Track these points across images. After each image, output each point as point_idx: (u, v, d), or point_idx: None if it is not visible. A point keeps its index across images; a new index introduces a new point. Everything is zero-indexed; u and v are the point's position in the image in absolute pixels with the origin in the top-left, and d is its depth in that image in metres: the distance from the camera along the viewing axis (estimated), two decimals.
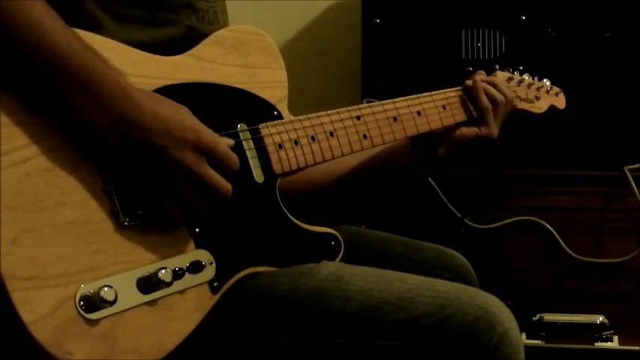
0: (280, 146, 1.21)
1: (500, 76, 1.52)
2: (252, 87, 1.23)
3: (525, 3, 2.01)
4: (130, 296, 1.00)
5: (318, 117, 1.26)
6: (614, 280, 1.97)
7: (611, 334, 1.96)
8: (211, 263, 1.09)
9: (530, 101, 1.58)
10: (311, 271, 1.15)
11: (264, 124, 1.20)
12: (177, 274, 1.05)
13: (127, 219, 1.03)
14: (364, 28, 2.10)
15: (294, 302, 1.12)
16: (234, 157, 1.09)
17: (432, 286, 1.14)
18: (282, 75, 1.29)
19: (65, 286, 0.95)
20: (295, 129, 1.23)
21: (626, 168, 1.95)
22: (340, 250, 1.24)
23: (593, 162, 1.98)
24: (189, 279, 1.06)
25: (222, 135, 1.11)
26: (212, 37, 1.23)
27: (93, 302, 0.97)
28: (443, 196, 2.01)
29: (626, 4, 1.96)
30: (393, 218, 1.96)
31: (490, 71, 1.52)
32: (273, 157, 1.20)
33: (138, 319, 1.01)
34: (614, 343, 1.96)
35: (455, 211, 2.01)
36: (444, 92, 1.42)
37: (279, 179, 1.21)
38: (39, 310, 0.92)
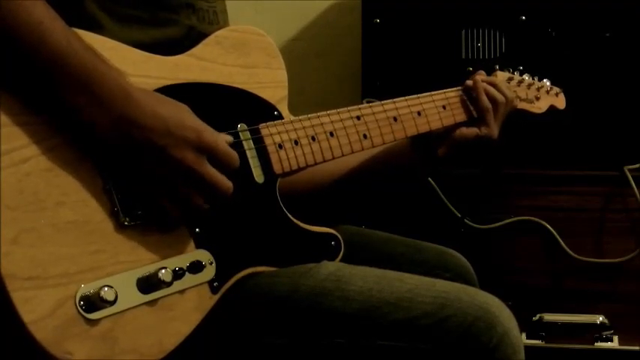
0: (280, 146, 1.21)
1: (501, 76, 1.52)
2: (253, 87, 1.23)
3: (525, 3, 2.01)
4: (130, 296, 1.00)
5: (318, 117, 1.26)
6: (614, 280, 1.98)
7: (611, 334, 1.96)
8: (211, 263, 1.09)
9: (530, 101, 1.58)
10: (311, 271, 1.15)
11: (264, 124, 1.20)
12: (178, 274, 1.05)
13: (127, 219, 1.03)
14: (364, 28, 2.10)
15: (294, 302, 1.12)
16: (234, 154, 1.09)
17: (432, 286, 1.14)
18: (282, 75, 1.29)
19: (65, 286, 0.95)
20: (295, 129, 1.23)
21: (626, 168, 1.95)
22: (340, 250, 1.24)
23: (593, 162, 1.99)
24: (189, 279, 1.06)
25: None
26: (212, 37, 1.23)
27: (93, 302, 0.97)
28: (443, 196, 2.01)
29: (626, 4, 1.96)
30: (393, 218, 1.96)
31: (490, 71, 1.52)
32: (274, 157, 1.20)
33: (138, 319, 1.01)
34: (614, 343, 1.96)
35: (455, 211, 2.01)
36: (444, 92, 1.42)
37: (279, 179, 1.21)
38: (39, 310, 0.92)
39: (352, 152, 1.29)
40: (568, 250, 1.98)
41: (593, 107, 1.98)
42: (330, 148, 1.26)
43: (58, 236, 0.96)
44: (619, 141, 1.98)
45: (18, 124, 0.96)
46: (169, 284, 1.03)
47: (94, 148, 1.01)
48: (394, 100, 1.35)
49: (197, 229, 1.09)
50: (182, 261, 1.06)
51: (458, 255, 1.47)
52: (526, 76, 1.58)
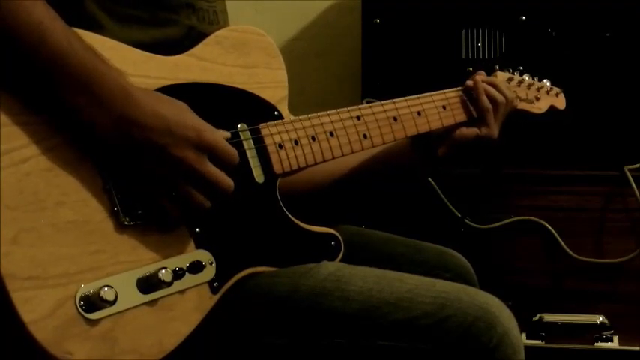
0: (280, 146, 1.21)
1: (501, 76, 1.52)
2: (253, 87, 1.23)
3: (525, 3, 2.01)
4: (130, 296, 1.00)
5: (318, 117, 1.26)
6: (614, 280, 1.98)
7: (611, 334, 1.96)
8: (211, 263, 1.09)
9: (531, 101, 1.58)
10: (311, 271, 1.15)
11: (264, 124, 1.20)
12: (178, 274, 1.05)
13: (127, 219, 1.03)
14: (364, 28, 2.10)
15: (294, 302, 1.12)
16: (233, 151, 1.09)
17: (432, 286, 1.14)
18: (282, 75, 1.29)
19: (65, 286, 0.95)
20: (295, 129, 1.23)
21: (626, 168, 1.95)
22: (340, 250, 1.24)
23: (593, 162, 1.99)
24: (189, 279, 1.06)
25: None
26: (212, 37, 1.23)
27: (93, 302, 0.97)
28: (443, 196, 2.01)
29: (626, 4, 1.96)
30: (393, 218, 1.96)
31: (490, 71, 1.52)
32: (274, 157, 1.20)
33: (138, 319, 1.01)
34: (614, 343, 1.96)
35: (455, 211, 2.01)
36: (444, 92, 1.42)
37: (279, 179, 1.21)
38: (39, 310, 0.92)
39: (352, 152, 1.29)
40: (568, 250, 1.98)
41: (593, 107, 1.98)
42: (330, 148, 1.26)
43: (58, 236, 0.96)
44: (619, 141, 1.98)
45: (18, 124, 0.96)
46: (169, 284, 1.03)
47: (94, 148, 1.01)
48: (394, 100, 1.35)
49: (197, 229, 1.09)
50: (182, 261, 1.06)
51: (458, 255, 1.47)
52: (526, 77, 1.58)
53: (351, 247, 1.27)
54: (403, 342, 1.10)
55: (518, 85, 1.56)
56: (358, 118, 1.30)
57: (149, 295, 1.02)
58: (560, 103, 1.66)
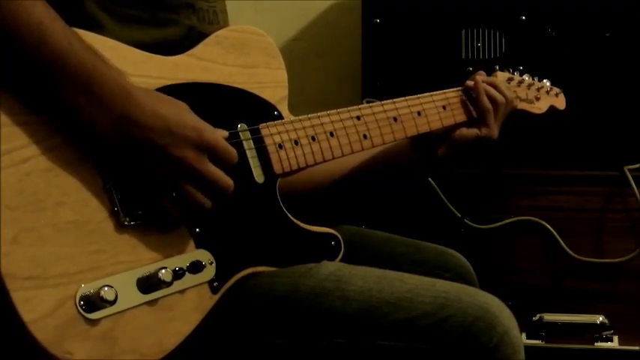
0: (280, 146, 1.21)
1: (501, 76, 1.52)
2: (253, 87, 1.23)
3: (525, 3, 2.01)
4: (130, 296, 1.00)
5: (318, 117, 1.26)
6: (614, 280, 1.98)
7: (611, 334, 1.96)
8: (211, 263, 1.09)
9: (531, 102, 1.58)
10: (311, 271, 1.15)
11: (264, 124, 1.20)
12: (178, 274, 1.05)
13: (128, 218, 1.03)
14: (364, 28, 2.10)
15: (294, 302, 1.12)
16: (233, 150, 1.10)
17: (432, 286, 1.14)
18: (282, 75, 1.29)
19: (65, 286, 0.95)
20: (295, 129, 1.23)
21: (626, 168, 1.95)
22: (340, 250, 1.24)
23: (593, 162, 1.99)
24: (189, 279, 1.06)
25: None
26: (212, 37, 1.23)
27: (93, 302, 0.97)
28: (443, 196, 2.01)
29: (626, 4, 1.96)
30: (393, 218, 1.96)
31: (490, 71, 1.52)
32: (274, 157, 1.20)
33: (138, 318, 1.01)
34: (614, 343, 1.96)
35: (455, 211, 2.01)
36: (444, 92, 1.42)
37: (279, 179, 1.21)
38: (39, 310, 0.92)
39: (352, 152, 1.29)
40: (568, 250, 1.98)
41: (593, 107, 1.98)
42: (330, 148, 1.26)
43: (58, 236, 0.96)
44: (619, 141, 1.98)
45: (18, 124, 0.96)
46: (169, 284, 1.03)
47: (94, 147, 1.01)
48: (394, 100, 1.35)
49: (197, 229, 1.09)
50: (182, 261, 1.06)
51: (458, 255, 1.47)
52: (526, 77, 1.58)
53: (351, 247, 1.27)
54: (403, 342, 1.10)
55: (518, 86, 1.56)
56: (358, 118, 1.30)
57: (149, 295, 1.02)
58: (560, 103, 1.66)
